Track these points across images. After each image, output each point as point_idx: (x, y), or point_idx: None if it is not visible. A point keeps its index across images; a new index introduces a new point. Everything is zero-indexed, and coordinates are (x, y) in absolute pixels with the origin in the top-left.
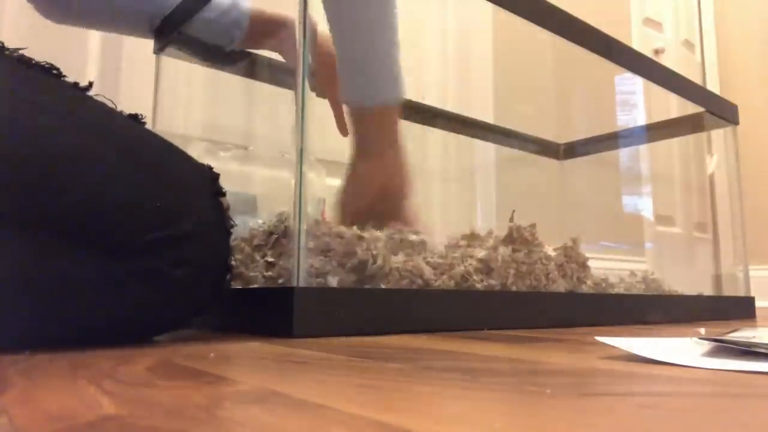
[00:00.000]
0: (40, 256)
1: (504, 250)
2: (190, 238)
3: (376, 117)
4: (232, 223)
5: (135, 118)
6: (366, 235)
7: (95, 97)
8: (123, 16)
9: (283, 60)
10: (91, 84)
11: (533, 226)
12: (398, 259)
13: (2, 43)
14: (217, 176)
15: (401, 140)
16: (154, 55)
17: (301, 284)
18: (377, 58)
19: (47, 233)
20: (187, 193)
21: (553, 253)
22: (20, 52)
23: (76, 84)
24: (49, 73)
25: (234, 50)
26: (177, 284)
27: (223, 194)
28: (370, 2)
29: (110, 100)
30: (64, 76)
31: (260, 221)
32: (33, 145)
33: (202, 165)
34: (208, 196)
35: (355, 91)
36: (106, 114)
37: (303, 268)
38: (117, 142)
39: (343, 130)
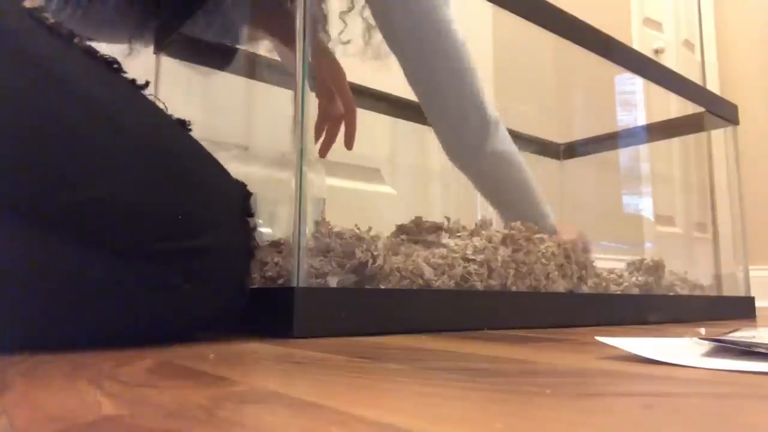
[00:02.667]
0: (50, 251)
1: (504, 251)
2: (209, 254)
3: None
4: (257, 244)
5: (182, 124)
6: (365, 236)
7: (148, 97)
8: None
9: (281, 57)
10: (147, 83)
11: (534, 228)
12: (398, 259)
13: (71, 31)
14: (249, 194)
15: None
16: (154, 55)
17: (301, 284)
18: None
19: (59, 227)
20: (215, 207)
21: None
22: (87, 43)
23: (133, 81)
24: (111, 66)
25: (236, 45)
26: (186, 298)
27: (252, 214)
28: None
29: (162, 102)
30: (125, 72)
31: (260, 221)
32: (62, 137)
33: (237, 182)
34: (235, 214)
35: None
36: (151, 116)
37: (303, 269)
38: (152, 145)
39: (350, 143)
